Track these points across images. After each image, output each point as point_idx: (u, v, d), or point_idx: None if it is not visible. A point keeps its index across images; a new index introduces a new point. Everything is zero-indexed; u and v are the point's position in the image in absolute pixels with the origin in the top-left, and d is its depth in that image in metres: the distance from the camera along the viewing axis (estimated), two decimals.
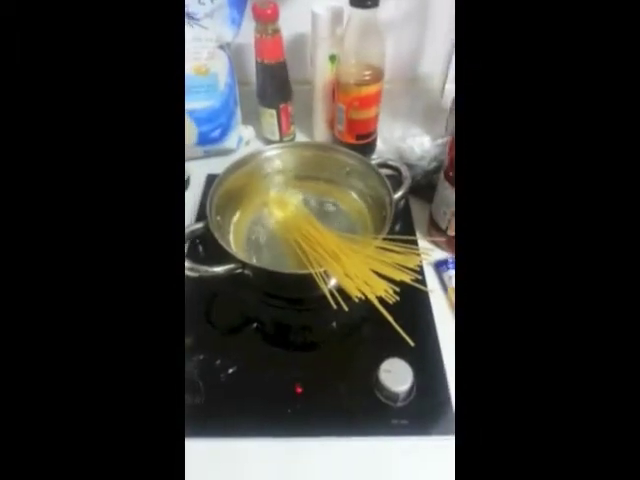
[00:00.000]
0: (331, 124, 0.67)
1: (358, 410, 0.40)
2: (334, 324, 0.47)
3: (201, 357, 0.43)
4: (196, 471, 0.35)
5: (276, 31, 0.58)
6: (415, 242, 0.52)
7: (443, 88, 0.71)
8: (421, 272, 0.46)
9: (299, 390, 0.41)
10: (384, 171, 0.53)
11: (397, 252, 0.42)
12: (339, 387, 0.41)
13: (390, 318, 0.38)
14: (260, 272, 0.45)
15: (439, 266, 0.51)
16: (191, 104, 0.60)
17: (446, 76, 0.70)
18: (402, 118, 0.68)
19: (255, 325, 0.48)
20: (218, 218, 0.49)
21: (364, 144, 0.64)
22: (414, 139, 0.62)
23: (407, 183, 0.52)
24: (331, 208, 0.57)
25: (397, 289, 0.39)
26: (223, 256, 0.43)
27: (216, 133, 0.63)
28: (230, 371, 0.42)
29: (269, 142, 0.69)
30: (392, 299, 0.39)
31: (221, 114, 0.62)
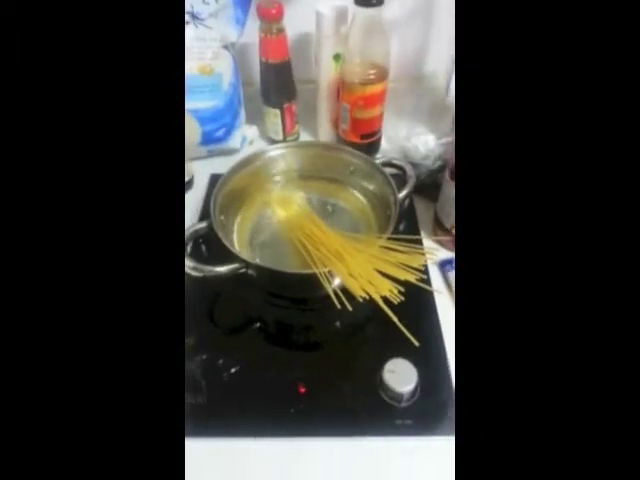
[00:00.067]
0: (335, 123, 0.67)
1: (362, 410, 0.40)
2: (338, 324, 0.47)
3: (204, 357, 0.43)
4: (198, 471, 0.35)
5: (280, 30, 0.58)
6: (420, 241, 0.52)
7: (448, 87, 0.70)
8: (426, 272, 0.46)
9: (302, 390, 0.41)
10: (388, 170, 0.52)
11: (401, 252, 0.42)
12: (343, 387, 0.41)
13: (395, 318, 0.38)
14: (263, 272, 0.45)
15: (444, 265, 0.51)
16: (195, 104, 0.60)
17: (451, 75, 0.69)
18: (407, 117, 0.67)
19: (258, 325, 0.47)
20: (222, 218, 0.49)
21: (368, 143, 0.64)
22: (419, 138, 0.62)
23: (412, 182, 0.51)
24: (335, 207, 0.57)
25: (402, 289, 0.39)
26: (226, 256, 0.43)
27: (220, 133, 0.63)
28: (233, 371, 0.42)
29: (273, 142, 0.69)
30: (397, 299, 0.39)
31: (225, 114, 0.62)
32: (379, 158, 0.55)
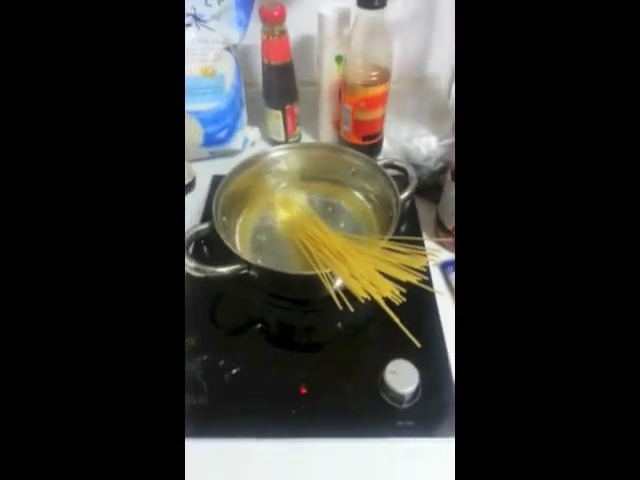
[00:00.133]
0: (337, 125, 0.67)
1: (363, 411, 0.40)
2: (339, 325, 0.47)
3: (205, 357, 0.43)
4: (200, 472, 0.35)
5: (283, 32, 0.58)
6: (421, 243, 0.52)
7: (450, 89, 0.71)
8: (427, 273, 0.46)
9: (303, 391, 0.41)
10: (390, 172, 0.52)
11: (403, 253, 0.42)
12: (344, 388, 0.41)
13: (396, 319, 0.38)
14: (265, 273, 0.45)
15: (445, 267, 0.51)
16: (197, 105, 0.60)
17: (453, 77, 0.70)
18: (409, 118, 0.67)
19: (260, 326, 0.47)
20: (224, 219, 0.49)
21: (370, 145, 0.64)
22: (420, 139, 0.62)
23: (413, 184, 0.51)
24: (337, 209, 0.57)
25: (403, 290, 0.39)
26: (228, 257, 0.43)
27: (222, 134, 0.64)
28: (234, 371, 0.42)
29: (275, 143, 0.69)
30: (398, 300, 0.38)
31: (227, 115, 0.62)
32: (381, 159, 0.55)
